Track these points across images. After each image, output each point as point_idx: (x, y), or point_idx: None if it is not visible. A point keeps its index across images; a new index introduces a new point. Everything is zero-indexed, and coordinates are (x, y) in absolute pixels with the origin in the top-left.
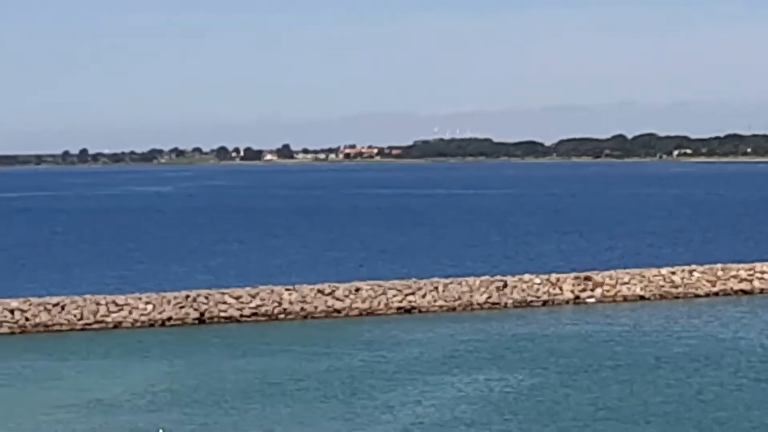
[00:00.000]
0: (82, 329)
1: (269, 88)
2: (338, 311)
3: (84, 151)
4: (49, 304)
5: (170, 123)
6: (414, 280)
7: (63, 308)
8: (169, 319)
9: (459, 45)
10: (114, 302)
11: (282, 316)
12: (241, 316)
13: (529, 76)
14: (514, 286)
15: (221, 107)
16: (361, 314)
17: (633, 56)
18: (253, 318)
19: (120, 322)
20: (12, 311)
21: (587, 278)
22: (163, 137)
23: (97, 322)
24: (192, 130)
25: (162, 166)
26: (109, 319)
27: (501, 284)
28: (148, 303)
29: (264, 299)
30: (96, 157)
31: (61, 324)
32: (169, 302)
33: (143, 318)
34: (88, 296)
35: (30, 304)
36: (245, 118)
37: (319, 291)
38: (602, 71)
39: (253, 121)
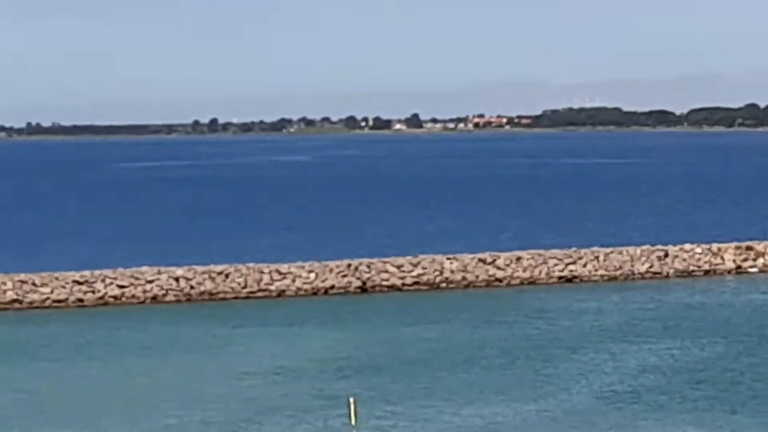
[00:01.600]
0: (246, 297)
1: (398, 57)
2: (499, 280)
3: (214, 121)
4: (213, 272)
5: (300, 92)
6: (574, 249)
7: (227, 276)
8: (332, 287)
9: (587, 14)
10: (277, 270)
11: (443, 284)
12: (403, 284)
13: (659, 44)
14: (676, 256)
15: (350, 76)
16: (522, 283)
17: (765, 24)
18: (415, 287)
19: (283, 291)
20: (177, 279)
21: (749, 248)
22: (292, 106)
23: (260, 290)
24: (321, 99)
25: (291, 136)
26: (272, 288)
27: (662, 254)
28: (311, 272)
29: (425, 268)
30: (226, 126)
31: (226, 292)
32: (331, 271)
33: (306, 286)
34: (251, 264)
35: (195, 273)
36: (374, 87)
37: (480, 260)
38: (734, 39)
39: (382, 90)
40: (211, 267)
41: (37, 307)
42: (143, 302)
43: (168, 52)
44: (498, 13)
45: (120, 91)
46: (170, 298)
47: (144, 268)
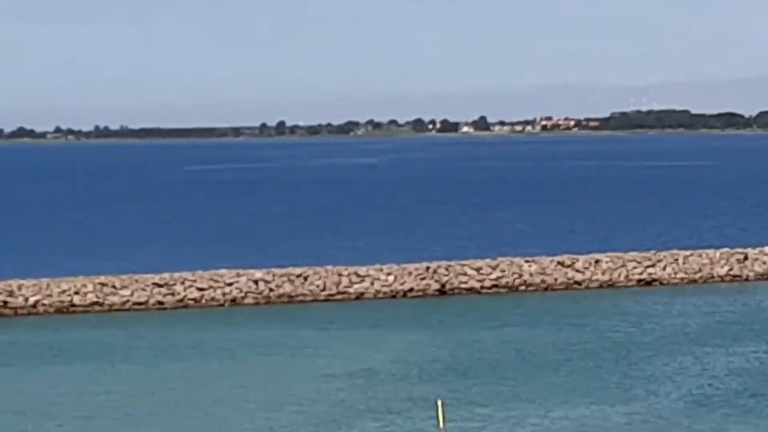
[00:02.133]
0: (324, 300)
1: (465, 59)
2: (578, 283)
3: (281, 124)
4: (292, 275)
5: (366, 95)
6: (653, 252)
7: (306, 279)
8: (411, 290)
9: (654, 16)
10: (356, 273)
11: (522, 287)
12: (482, 287)
13: (727, 46)
14: (756, 259)
15: (417, 79)
16: (601, 286)
17: None
18: (494, 290)
19: (362, 293)
20: (256, 282)
21: None
22: (359, 109)
23: (339, 293)
24: (388, 101)
25: (358, 138)
26: (351, 290)
27: (741, 257)
28: (389, 274)
29: (504, 271)
30: (293, 129)
31: (305, 295)
32: (410, 273)
33: (385, 289)
34: (330, 267)
35: (273, 275)
36: (441, 89)
37: (559, 263)
38: None
39: (450, 92)
40: (290, 269)
41: (117, 310)
42: (222, 305)
43: (236, 55)
44: (564, 15)
45: (188, 93)
46: (249, 300)
47: (223, 271)
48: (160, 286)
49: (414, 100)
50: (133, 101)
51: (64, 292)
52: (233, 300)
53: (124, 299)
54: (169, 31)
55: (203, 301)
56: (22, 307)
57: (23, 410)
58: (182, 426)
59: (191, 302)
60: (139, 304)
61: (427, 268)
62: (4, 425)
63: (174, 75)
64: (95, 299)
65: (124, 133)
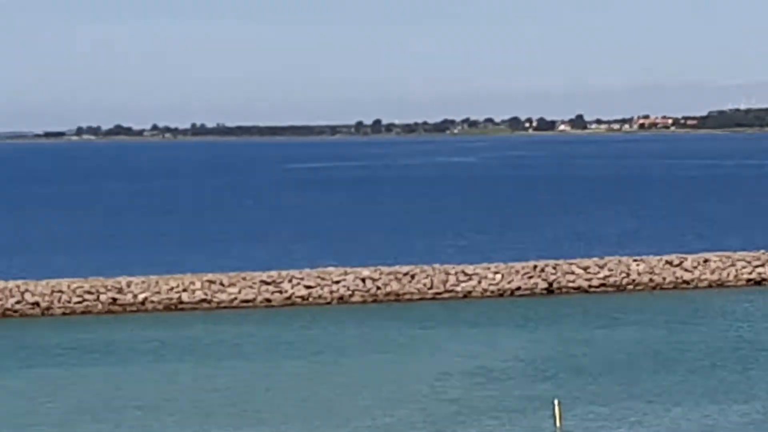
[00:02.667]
0: (432, 298)
1: (562, 58)
2: (687, 282)
3: (377, 122)
4: (399, 273)
5: (463, 93)
6: (763, 251)
7: (413, 277)
8: (518, 288)
9: (754, 14)
10: (463, 272)
11: (630, 287)
12: (590, 286)
13: None
14: None
15: (514, 77)
16: (710, 286)
17: None
18: (602, 288)
19: (469, 292)
20: (363, 280)
21: None
22: (456, 107)
23: (446, 291)
24: (484, 99)
25: (454, 137)
26: (458, 289)
27: None
28: (496, 273)
29: (612, 270)
30: (389, 127)
31: (412, 293)
32: (517, 272)
33: (492, 288)
34: (437, 265)
35: (381, 273)
36: (538, 87)
37: (667, 262)
38: None
39: (546, 91)
40: (397, 268)
41: (225, 307)
42: (330, 303)
43: (331, 54)
44: (661, 14)
45: (283, 91)
46: (356, 298)
47: (330, 269)
48: (268, 283)
49: (510, 99)
50: (230, 99)
51: (172, 289)
52: (340, 298)
53: (232, 297)
54: (265, 29)
55: (310, 299)
56: (131, 304)
57: (142, 406)
58: (300, 424)
59: (298, 300)
60: (247, 301)
61: (535, 267)
62: (126, 421)
63: (270, 73)
64: (203, 296)
65: (221, 130)
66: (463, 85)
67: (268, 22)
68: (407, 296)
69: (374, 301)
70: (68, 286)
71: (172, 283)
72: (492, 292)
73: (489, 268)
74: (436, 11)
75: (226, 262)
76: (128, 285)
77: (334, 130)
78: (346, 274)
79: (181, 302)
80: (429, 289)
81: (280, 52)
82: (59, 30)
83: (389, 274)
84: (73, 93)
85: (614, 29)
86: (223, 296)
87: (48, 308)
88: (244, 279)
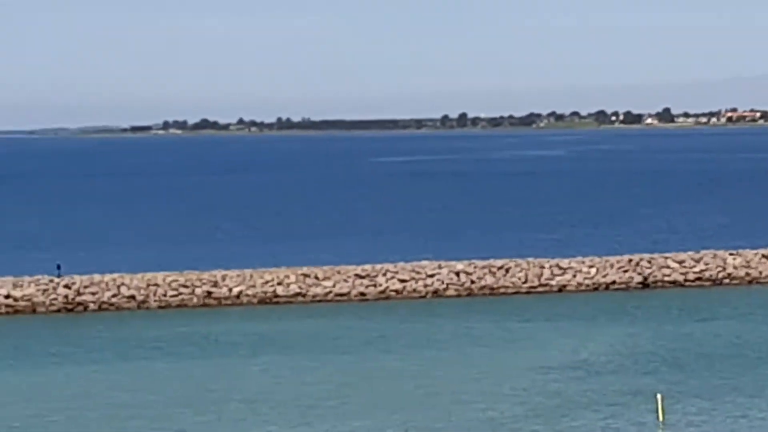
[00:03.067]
0: (526, 292)
1: (649, 50)
2: None
3: (463, 116)
4: (493, 267)
5: (549, 86)
6: None
7: (507, 271)
8: (613, 282)
9: None
10: (558, 266)
11: (726, 281)
12: (685, 280)
13: None
14: None
15: (600, 71)
16: None
17: None
18: (697, 282)
19: (564, 286)
20: (458, 274)
21: None
22: (542, 101)
23: (541, 285)
24: (570, 93)
25: (540, 131)
26: (553, 282)
27: None
28: (591, 267)
29: (708, 264)
30: (474, 121)
31: (506, 287)
32: (612, 266)
33: (587, 281)
34: (531, 259)
35: (475, 267)
36: (624, 81)
37: (764, 256)
38: None
39: (633, 84)
40: (492, 261)
41: (319, 301)
42: (424, 296)
43: (418, 47)
44: (747, 7)
45: (369, 85)
46: (451, 292)
47: (424, 263)
48: (362, 277)
49: (597, 92)
50: (316, 93)
51: (267, 282)
52: (435, 291)
53: (327, 290)
54: (351, 24)
55: (405, 293)
56: (226, 298)
57: (243, 399)
58: (402, 417)
59: (393, 293)
60: (341, 295)
61: (630, 261)
62: (230, 412)
63: (355, 67)
64: (298, 290)
65: (306, 124)
66: (549, 79)
67: (353, 17)
68: (501, 290)
69: (468, 294)
70: (164, 280)
71: (267, 277)
72: (587, 285)
73: (584, 262)
74: (523, 5)
75: (320, 255)
76: (223, 278)
77: (419, 123)
78: (440, 268)
79: (276, 296)
80: (524, 283)
81: (366, 46)
82: (148, 25)
83: (483, 267)
84: (160, 87)
85: (700, 23)
86: (318, 290)
87: (144, 301)
88: (338, 272)
